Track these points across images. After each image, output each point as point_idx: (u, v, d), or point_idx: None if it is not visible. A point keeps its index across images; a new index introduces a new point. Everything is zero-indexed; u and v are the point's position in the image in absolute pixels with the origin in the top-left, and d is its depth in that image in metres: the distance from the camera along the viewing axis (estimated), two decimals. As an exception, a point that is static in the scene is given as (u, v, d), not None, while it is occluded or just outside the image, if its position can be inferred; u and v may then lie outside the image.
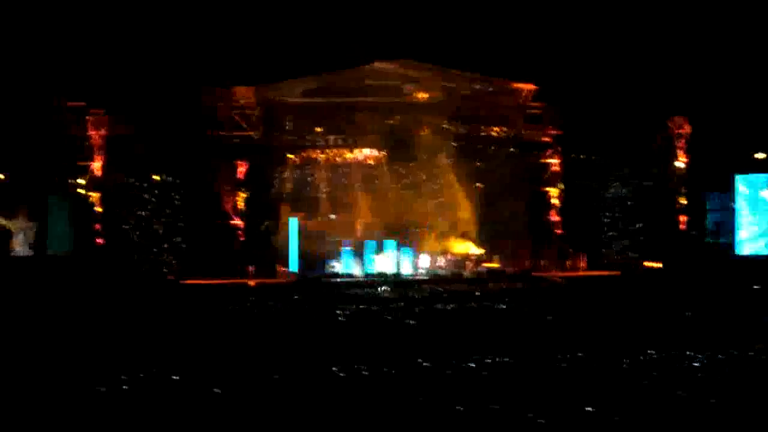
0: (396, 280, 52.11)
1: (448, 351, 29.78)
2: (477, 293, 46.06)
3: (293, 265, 54.51)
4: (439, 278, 53.42)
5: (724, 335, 32.54)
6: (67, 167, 52.00)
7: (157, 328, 35.70)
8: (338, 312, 39.17)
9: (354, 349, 30.67)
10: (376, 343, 32.70)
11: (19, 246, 50.31)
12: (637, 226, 55.59)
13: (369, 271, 54.82)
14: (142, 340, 32.73)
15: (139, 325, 36.45)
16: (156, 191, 53.78)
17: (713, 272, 49.07)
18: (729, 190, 52.96)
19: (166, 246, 53.47)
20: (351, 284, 50.30)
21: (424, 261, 55.67)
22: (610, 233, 55.89)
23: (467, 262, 55.94)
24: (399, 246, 55.71)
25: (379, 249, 55.60)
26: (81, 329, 35.14)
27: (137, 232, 53.19)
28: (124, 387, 24.95)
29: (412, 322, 37.45)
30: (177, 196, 53.89)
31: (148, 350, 30.51)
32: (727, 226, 53.41)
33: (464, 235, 57.28)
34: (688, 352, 29.06)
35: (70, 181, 52.00)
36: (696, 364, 27.89)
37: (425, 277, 53.86)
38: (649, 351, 29.21)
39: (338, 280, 53.05)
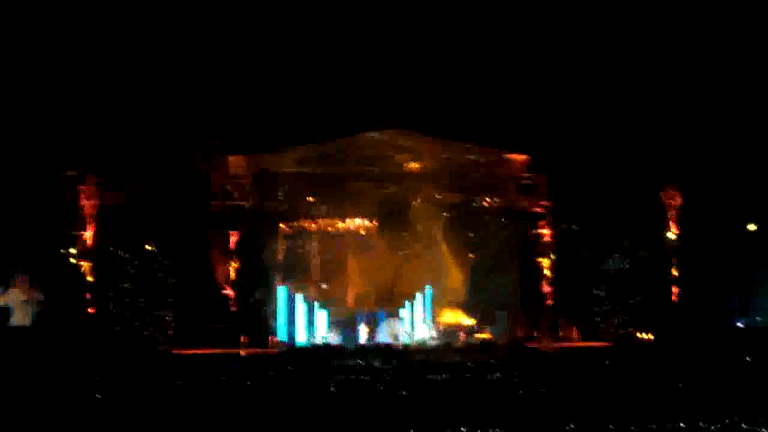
0: (388, 350, 51.79)
1: (441, 421, 29.61)
2: (469, 363, 45.80)
3: (282, 334, 54.30)
4: (431, 348, 53.15)
5: (719, 406, 32.40)
6: (61, 236, 51.80)
7: (149, 399, 35.49)
8: (330, 382, 38.98)
9: (346, 420, 30.49)
10: (368, 413, 32.51)
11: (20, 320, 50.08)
12: (630, 297, 55.44)
13: (360, 341, 54.58)
14: (134, 410, 32.54)
15: (131, 395, 36.22)
16: (148, 260, 53.61)
17: (707, 345, 48.93)
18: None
19: (157, 315, 53.19)
20: (342, 354, 49.98)
21: (417, 331, 55.42)
22: (602, 304, 55.72)
23: (459, 333, 55.73)
24: (391, 316, 55.54)
25: (371, 318, 55.41)
26: (74, 399, 34.95)
27: (128, 302, 52.91)
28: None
29: (404, 392, 37.30)
30: (169, 265, 53.69)
31: (141, 419, 30.33)
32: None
33: (456, 305, 57.08)
34: (681, 424, 28.95)
35: (62, 250, 51.78)
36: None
37: (417, 347, 53.57)
38: (642, 422, 29.07)
39: (330, 349, 52.70)
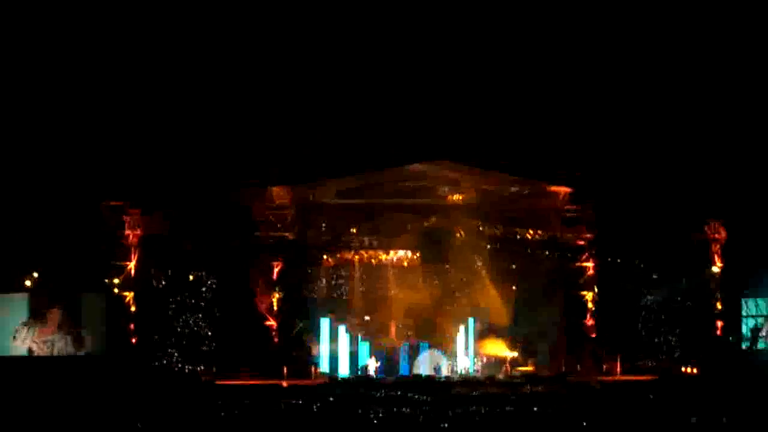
0: (430, 383, 51.68)
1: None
2: (512, 397, 45.61)
3: (325, 366, 54.33)
4: (474, 381, 53.00)
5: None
6: (104, 266, 52.08)
7: (191, 430, 35.56)
8: (371, 413, 38.94)
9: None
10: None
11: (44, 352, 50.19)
12: (674, 330, 55.18)
13: (403, 373, 54.50)
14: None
15: (173, 426, 36.30)
16: (190, 291, 53.84)
17: (751, 378, 48.52)
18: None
19: (201, 346, 53.37)
20: (384, 386, 49.89)
21: (459, 363, 55.31)
22: (646, 338, 55.47)
23: (502, 365, 55.58)
24: (433, 348, 55.48)
25: (413, 351, 55.37)
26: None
27: (171, 333, 53.12)
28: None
29: (445, 425, 37.20)
30: (212, 296, 53.90)
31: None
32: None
33: (498, 338, 56.95)
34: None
35: (106, 280, 52.04)
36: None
37: (459, 379, 53.44)
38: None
39: (371, 381, 52.64)
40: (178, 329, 53.32)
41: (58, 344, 50.13)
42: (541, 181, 55.20)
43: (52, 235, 50.37)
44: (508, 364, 55.84)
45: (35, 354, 49.77)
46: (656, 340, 55.46)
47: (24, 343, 49.84)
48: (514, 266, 58.59)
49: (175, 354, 53.03)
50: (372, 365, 54.59)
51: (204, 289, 53.91)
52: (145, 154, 50.21)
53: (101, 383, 45.91)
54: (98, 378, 47.08)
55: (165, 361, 52.66)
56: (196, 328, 53.46)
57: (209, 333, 53.58)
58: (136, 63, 49.03)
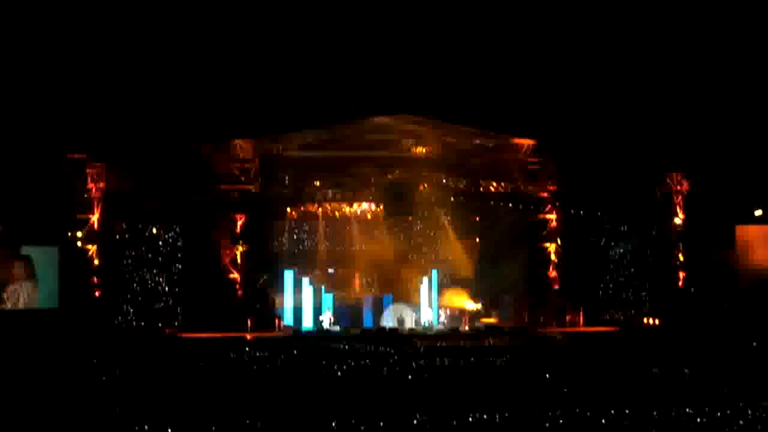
0: (394, 335, 51.82)
1: (446, 406, 29.62)
2: (475, 349, 45.80)
3: (288, 319, 54.43)
4: (438, 333, 53.23)
5: (725, 392, 32.41)
6: (65, 220, 51.75)
7: (155, 382, 35.53)
8: (335, 367, 38.99)
9: (351, 404, 30.50)
10: (374, 398, 32.53)
11: (12, 303, 49.77)
12: (636, 282, 55.49)
13: (367, 326, 54.66)
14: (140, 393, 32.59)
15: (138, 379, 36.26)
16: (153, 244, 53.67)
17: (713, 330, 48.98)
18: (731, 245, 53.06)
19: (164, 299, 53.26)
20: (348, 339, 49.99)
21: (423, 316, 55.49)
22: (608, 289, 55.76)
23: (466, 318, 55.80)
24: (397, 301, 55.64)
25: (376, 303, 55.52)
26: (79, 383, 35.00)
27: (135, 286, 52.96)
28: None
29: (409, 377, 37.33)
30: (175, 250, 53.77)
31: (147, 403, 30.38)
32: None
33: (462, 290, 57.17)
34: (688, 410, 28.92)
35: (68, 234, 51.75)
36: (698, 420, 27.74)
37: (423, 332, 53.63)
38: (648, 408, 29.05)
39: (335, 335, 52.77)
40: (140, 284, 53.09)
41: (23, 295, 49.76)
42: (504, 134, 55.16)
43: (11, 188, 49.91)
44: (471, 317, 56.03)
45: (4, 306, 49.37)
46: (619, 292, 55.71)
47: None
48: (477, 219, 58.86)
49: (138, 308, 52.82)
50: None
51: (167, 243, 53.65)
52: (107, 107, 49.79)
53: (65, 337, 45.90)
54: (62, 331, 47.04)
55: (127, 316, 52.43)
56: (158, 283, 53.25)
57: (172, 287, 53.41)
58: (100, 13, 48.48)
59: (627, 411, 28.77)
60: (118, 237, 53.12)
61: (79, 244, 51.97)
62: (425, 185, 56.81)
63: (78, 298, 50.83)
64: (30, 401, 31.03)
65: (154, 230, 53.86)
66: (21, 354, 40.85)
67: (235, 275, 54.03)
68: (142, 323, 52.51)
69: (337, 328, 54.41)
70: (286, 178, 56.69)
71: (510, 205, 57.18)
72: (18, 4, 47.60)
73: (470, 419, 28.00)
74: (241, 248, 54.22)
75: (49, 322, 48.58)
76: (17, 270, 49.97)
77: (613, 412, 28.73)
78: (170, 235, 53.95)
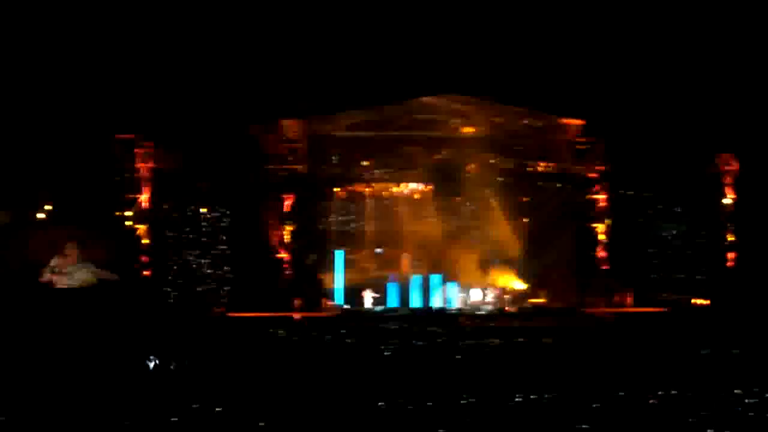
0: (441, 315, 51.82)
1: (495, 386, 29.64)
2: (524, 328, 45.73)
3: (339, 298, 54.52)
4: (486, 313, 53.16)
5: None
6: (115, 200, 52.09)
7: (203, 361, 35.73)
8: (383, 347, 39.06)
9: (398, 384, 30.57)
10: (421, 378, 32.57)
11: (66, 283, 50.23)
12: (685, 263, 55.12)
13: (415, 306, 54.66)
14: (188, 373, 32.79)
15: (185, 357, 36.47)
16: (203, 224, 53.88)
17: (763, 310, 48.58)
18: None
19: (212, 279, 53.47)
20: (396, 318, 50.05)
21: (471, 295, 55.41)
22: (658, 270, 55.42)
23: (514, 298, 55.67)
24: (445, 280, 55.58)
25: (425, 283, 55.48)
26: (129, 361, 35.27)
27: (183, 266, 53.21)
28: (173, 419, 24.95)
29: (457, 357, 37.34)
30: (224, 230, 53.94)
31: (195, 383, 30.57)
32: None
33: (510, 270, 57.04)
34: (737, 390, 28.79)
35: (117, 213, 52.07)
36: (747, 401, 27.60)
37: (471, 312, 53.57)
38: (698, 388, 28.95)
39: (384, 314, 52.81)
40: (189, 263, 53.33)
41: (77, 274, 50.13)
42: (552, 114, 54.94)
43: (64, 169, 50.31)
44: (519, 296, 55.90)
45: (55, 285, 49.74)
46: (668, 272, 55.32)
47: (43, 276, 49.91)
48: (526, 199, 58.52)
49: (186, 288, 53.07)
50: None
51: (215, 223, 53.84)
52: (156, 87, 49.99)
53: (118, 314, 46.21)
54: (115, 309, 47.36)
55: (177, 294, 52.71)
56: (206, 263, 53.47)
57: (220, 267, 53.63)
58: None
59: (675, 392, 28.69)
60: (167, 217, 53.33)
61: (128, 223, 52.28)
62: (473, 165, 56.66)
63: (128, 277, 51.16)
64: (83, 379, 31.34)
65: (203, 210, 54.03)
66: (72, 333, 41.20)
67: (283, 255, 54.15)
68: (191, 302, 52.72)
69: (379, 307, 54.40)
70: (334, 158, 56.73)
71: (558, 185, 56.96)
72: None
73: (517, 400, 28.01)
74: (289, 228, 54.33)
75: (100, 300, 48.94)
76: (70, 252, 50.38)
77: (661, 393, 28.64)
78: (219, 215, 54.10)
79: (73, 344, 37.92)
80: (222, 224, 54.09)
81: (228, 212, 54.14)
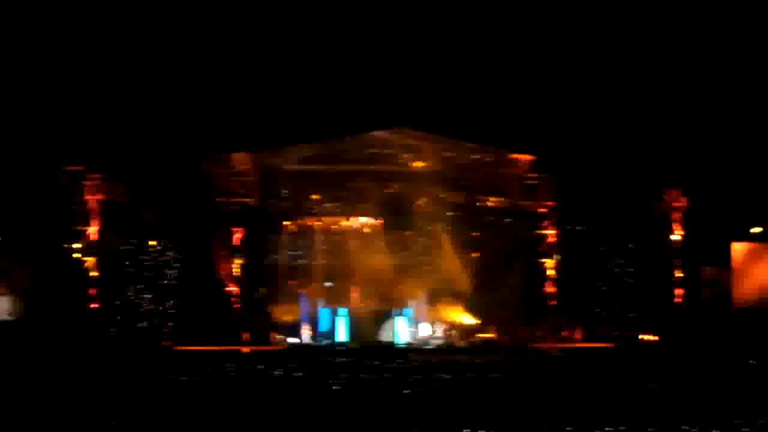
0: (390, 349, 51.75)
1: (443, 421, 29.61)
2: (472, 363, 45.75)
3: (291, 333, 54.36)
4: (434, 347, 53.16)
5: (722, 408, 32.37)
6: (63, 231, 51.74)
7: (150, 394, 35.49)
8: (331, 381, 38.95)
9: (347, 419, 30.49)
10: (370, 412, 32.50)
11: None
12: (633, 298, 55.39)
13: (363, 339, 54.55)
14: (134, 405, 32.54)
15: (131, 390, 36.22)
16: (152, 256, 53.60)
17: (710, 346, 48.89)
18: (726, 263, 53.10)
19: (160, 312, 53.15)
20: (344, 352, 49.94)
21: (421, 330, 55.38)
22: (606, 305, 55.66)
23: (463, 332, 55.68)
24: (395, 314, 55.51)
25: (374, 317, 55.39)
26: (73, 394, 34.95)
27: (131, 298, 52.88)
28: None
29: (406, 391, 37.29)
30: (172, 262, 53.70)
31: (141, 414, 30.34)
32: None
33: (459, 305, 57.06)
34: (684, 426, 28.90)
35: (65, 245, 51.71)
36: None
37: (420, 346, 53.53)
38: (646, 424, 29.04)
39: (332, 348, 52.67)
40: (138, 295, 53.01)
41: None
42: (503, 149, 55.21)
43: (11, 200, 49.98)
44: (467, 331, 55.91)
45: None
46: (616, 308, 55.57)
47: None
48: (476, 234, 58.64)
49: (135, 319, 52.74)
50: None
51: (164, 255, 53.59)
52: (106, 119, 49.82)
53: (58, 346, 45.81)
54: (55, 341, 46.96)
55: (124, 326, 52.35)
56: (156, 294, 53.17)
57: (168, 300, 53.34)
58: (99, 27, 48.55)
59: (623, 428, 28.76)
60: (114, 249, 52.99)
61: (77, 255, 51.92)
62: (424, 199, 56.78)
63: (74, 309, 50.76)
64: (26, 410, 31.02)
65: (152, 243, 53.76)
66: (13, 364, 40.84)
67: (233, 288, 53.95)
68: (138, 335, 52.36)
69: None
70: (285, 191, 56.68)
71: (508, 220, 57.16)
72: (18, 16, 47.68)
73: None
74: (239, 261, 54.16)
75: (43, 331, 48.60)
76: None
77: (609, 428, 28.70)
78: (167, 247, 53.84)
79: (12, 380, 37.56)
80: (171, 257, 53.83)
81: (177, 245, 53.86)
